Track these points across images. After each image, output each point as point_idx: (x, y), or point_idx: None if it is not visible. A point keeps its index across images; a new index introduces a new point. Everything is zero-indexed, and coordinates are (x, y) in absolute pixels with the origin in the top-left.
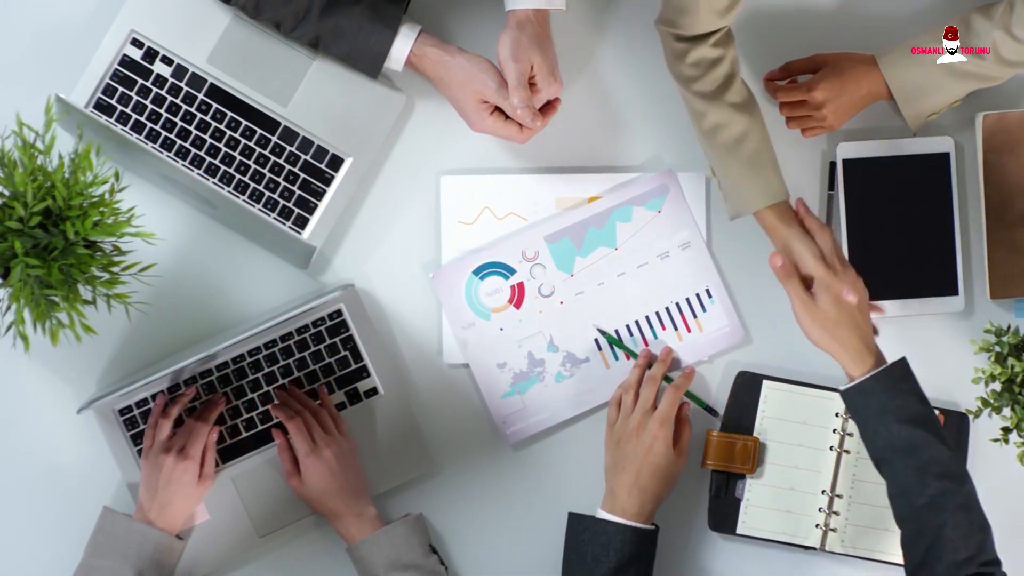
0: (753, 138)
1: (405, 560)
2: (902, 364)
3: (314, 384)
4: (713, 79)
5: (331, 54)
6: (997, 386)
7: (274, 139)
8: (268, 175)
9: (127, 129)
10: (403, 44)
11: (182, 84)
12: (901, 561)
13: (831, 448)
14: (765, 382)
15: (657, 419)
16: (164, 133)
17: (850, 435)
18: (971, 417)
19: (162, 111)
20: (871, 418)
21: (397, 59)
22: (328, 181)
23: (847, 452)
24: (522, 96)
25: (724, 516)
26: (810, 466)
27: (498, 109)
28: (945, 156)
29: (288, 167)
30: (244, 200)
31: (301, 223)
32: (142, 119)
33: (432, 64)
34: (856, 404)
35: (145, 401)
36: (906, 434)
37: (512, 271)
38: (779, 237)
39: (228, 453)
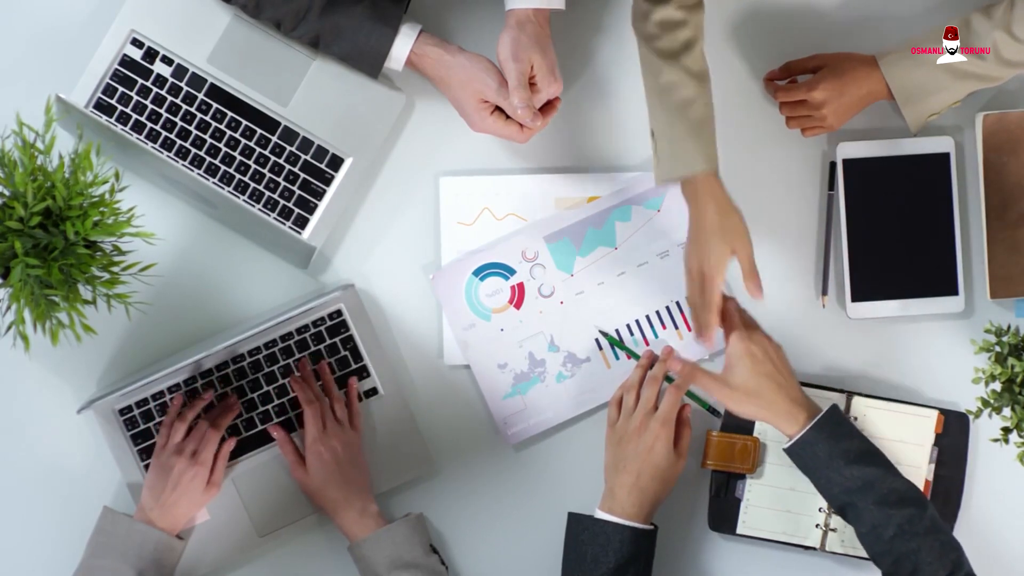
0: (701, 105)
1: (406, 559)
2: (835, 409)
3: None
4: (674, 40)
5: (331, 53)
6: (997, 386)
7: (274, 139)
8: (268, 175)
9: (127, 129)
10: (404, 44)
11: (182, 84)
12: None
13: None
14: None
15: (659, 419)
16: (164, 133)
17: None
18: (971, 417)
19: (162, 111)
20: (821, 467)
21: (397, 59)
22: (328, 181)
23: None
24: (522, 96)
25: (724, 516)
26: None
27: (498, 109)
28: (945, 156)
29: (288, 167)
30: (244, 200)
31: (301, 223)
32: (142, 119)
33: (432, 64)
34: (803, 457)
35: (145, 401)
36: (859, 473)
37: (512, 272)
38: (701, 228)
39: (228, 453)
